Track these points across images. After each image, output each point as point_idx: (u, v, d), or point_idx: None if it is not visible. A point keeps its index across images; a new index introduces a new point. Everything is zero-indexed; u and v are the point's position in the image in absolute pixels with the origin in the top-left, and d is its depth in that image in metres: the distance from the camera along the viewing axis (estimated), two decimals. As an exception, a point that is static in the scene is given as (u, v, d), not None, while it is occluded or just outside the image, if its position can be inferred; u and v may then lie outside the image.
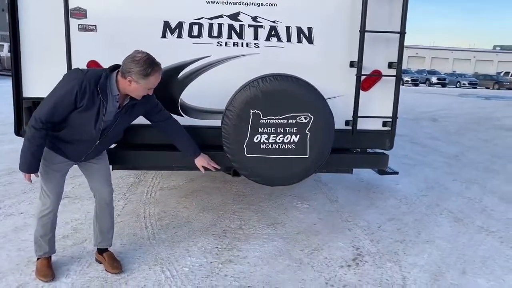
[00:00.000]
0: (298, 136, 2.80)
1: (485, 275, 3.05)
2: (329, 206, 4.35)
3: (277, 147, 2.83)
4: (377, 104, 3.24)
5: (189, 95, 3.14)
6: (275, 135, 2.80)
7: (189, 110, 3.16)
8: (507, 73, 37.82)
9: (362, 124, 3.22)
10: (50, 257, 2.82)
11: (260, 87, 2.72)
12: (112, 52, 2.99)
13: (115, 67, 2.49)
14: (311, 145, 2.81)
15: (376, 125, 3.28)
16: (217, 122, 3.14)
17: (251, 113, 2.75)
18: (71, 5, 2.94)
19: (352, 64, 3.17)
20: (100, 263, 2.92)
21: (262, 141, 2.80)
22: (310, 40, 3.12)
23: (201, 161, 2.93)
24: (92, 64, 3.02)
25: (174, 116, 3.08)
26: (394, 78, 3.22)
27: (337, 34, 3.14)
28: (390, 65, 3.21)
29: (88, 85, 2.38)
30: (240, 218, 3.92)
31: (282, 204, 4.35)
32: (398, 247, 3.45)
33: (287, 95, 2.74)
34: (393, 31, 3.09)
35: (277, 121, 2.77)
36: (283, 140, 2.80)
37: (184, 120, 3.15)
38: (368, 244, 3.48)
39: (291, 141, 2.81)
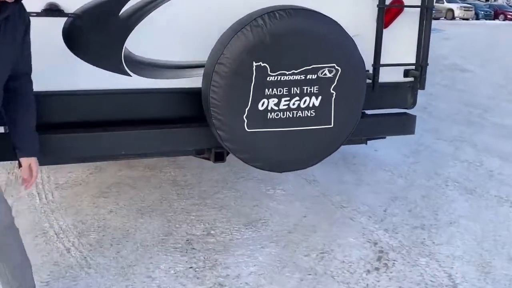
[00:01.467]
0: (319, 97, 2.68)
1: (535, 258, 3.32)
2: (310, 189, 4.35)
3: (290, 116, 2.69)
4: (397, 47, 3.23)
5: (138, 42, 2.79)
6: (288, 99, 2.65)
7: (138, 65, 2.83)
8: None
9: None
10: None
11: (267, 27, 2.51)
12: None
13: None
14: (337, 110, 2.71)
15: (397, 76, 3.28)
16: (185, 82, 2.92)
17: (254, 67, 2.54)
18: None
19: (367, -8, 3.09)
20: (24, 318, 2.49)
21: (270, 108, 2.63)
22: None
23: (34, 163, 2.40)
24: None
25: (116, 75, 2.77)
26: (419, 10, 3.21)
27: None
28: (414, -8, 3.19)
29: None
30: (200, 220, 3.72)
31: (246, 192, 4.23)
32: (421, 236, 3.59)
33: (306, 38, 2.59)
34: None
35: (291, 77, 2.61)
36: (299, 105, 2.66)
37: (133, 82, 2.83)
38: (385, 236, 3.56)
39: (310, 105, 2.69)
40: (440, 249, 3.41)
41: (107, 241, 3.34)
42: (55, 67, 2.65)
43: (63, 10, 2.60)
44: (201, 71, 2.79)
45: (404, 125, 3.35)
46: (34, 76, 2.51)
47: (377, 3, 3.07)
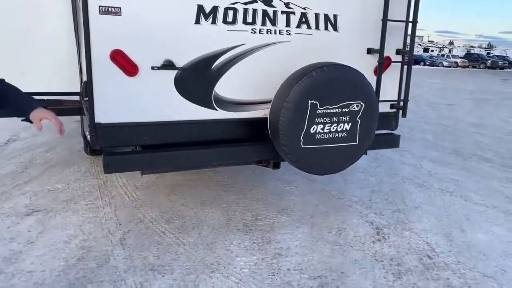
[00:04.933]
0: (350, 124, 2.80)
1: (478, 230, 3.55)
2: (314, 186, 4.46)
3: (331, 136, 2.80)
4: (387, 88, 3.40)
5: (223, 87, 2.88)
6: (329, 125, 2.76)
7: (223, 103, 2.89)
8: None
9: (375, 108, 3.35)
10: None
11: (318, 77, 2.64)
12: (140, 40, 2.55)
13: None
14: (360, 132, 2.85)
15: (385, 108, 3.45)
16: (254, 114, 3.00)
17: (309, 104, 2.65)
18: (89, -18, 2.35)
19: (369, 51, 3.26)
20: None
21: (318, 131, 2.73)
22: (335, 27, 3.09)
23: (45, 112, 1.88)
24: (117, 54, 2.50)
25: (207, 110, 2.82)
26: (400, 64, 3.41)
27: (357, 22, 3.18)
28: (398, 52, 3.38)
29: None
30: (246, 209, 3.77)
31: (272, 189, 4.31)
32: (400, 217, 3.76)
33: (343, 84, 2.72)
34: (408, 20, 3.25)
35: (332, 110, 2.73)
36: (336, 129, 2.78)
37: (218, 114, 2.89)
38: (376, 217, 3.71)
39: (344, 129, 2.80)
40: (415, 225, 3.58)
41: (189, 226, 3.36)
42: (169, 104, 2.71)
43: (175, 65, 2.66)
44: (265, 105, 2.89)
45: (395, 141, 3.51)
46: (158, 112, 2.56)
47: (377, 59, 3.23)
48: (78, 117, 6.64)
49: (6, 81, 1.88)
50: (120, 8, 2.45)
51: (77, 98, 4.68)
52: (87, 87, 2.48)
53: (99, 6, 2.40)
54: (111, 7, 2.43)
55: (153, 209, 3.66)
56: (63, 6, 3.62)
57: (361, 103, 2.79)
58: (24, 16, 3.59)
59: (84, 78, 2.92)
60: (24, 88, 3.68)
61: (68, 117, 7.02)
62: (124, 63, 2.51)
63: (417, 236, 3.38)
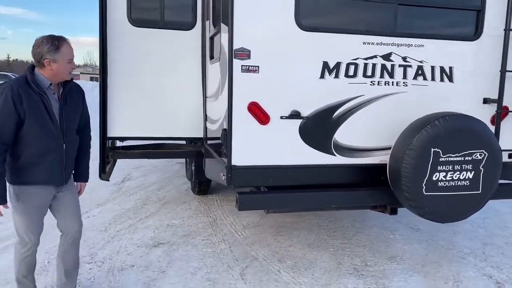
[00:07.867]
0: (473, 172, 2.80)
1: None
2: (419, 235, 4.34)
3: (453, 184, 2.81)
4: (505, 137, 3.32)
5: (342, 134, 3.05)
6: (452, 172, 2.78)
7: (342, 149, 3.06)
8: None
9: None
10: None
11: (441, 126, 2.70)
12: (272, 93, 2.86)
13: (33, 67, 2.36)
14: (484, 181, 2.82)
15: (505, 157, 3.33)
16: (370, 160, 3.10)
17: (432, 152, 2.71)
18: (235, 46, 2.74)
19: (485, 101, 3.26)
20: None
21: (440, 178, 2.76)
22: (451, 78, 3.17)
23: (85, 185, 2.76)
24: (253, 106, 2.82)
25: (327, 155, 2.99)
26: (520, 112, 3.34)
27: (473, 73, 3.22)
28: (517, 101, 3.33)
29: (19, 86, 2.25)
30: (354, 254, 3.79)
31: (376, 236, 4.28)
32: (521, 272, 3.51)
33: (465, 133, 2.76)
34: (529, 70, 3.23)
35: (455, 158, 2.76)
36: (459, 177, 2.78)
37: (336, 160, 3.05)
38: (494, 271, 3.52)
39: (466, 177, 2.80)
40: (541, 282, 3.33)
41: (301, 267, 3.47)
42: (294, 150, 2.94)
43: (301, 114, 2.92)
44: (382, 152, 3.01)
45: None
46: (283, 156, 2.78)
47: (496, 109, 3.22)
48: (179, 160, 7.35)
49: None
50: (258, 66, 2.81)
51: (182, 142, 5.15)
52: (226, 134, 2.82)
53: (242, 66, 2.78)
54: (251, 66, 2.79)
55: (264, 248, 3.84)
56: (194, 65, 4.15)
57: (484, 152, 2.79)
58: (162, 74, 4.15)
59: (218, 126, 3.29)
60: (157, 132, 4.20)
61: (170, 160, 7.72)
62: (259, 113, 2.82)
63: (546, 294, 3.14)
